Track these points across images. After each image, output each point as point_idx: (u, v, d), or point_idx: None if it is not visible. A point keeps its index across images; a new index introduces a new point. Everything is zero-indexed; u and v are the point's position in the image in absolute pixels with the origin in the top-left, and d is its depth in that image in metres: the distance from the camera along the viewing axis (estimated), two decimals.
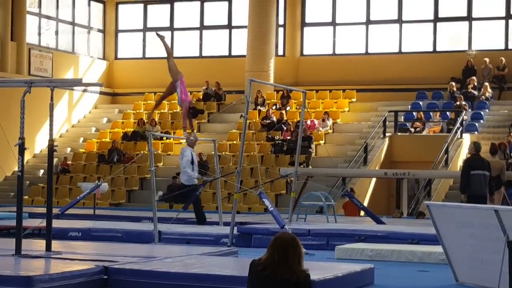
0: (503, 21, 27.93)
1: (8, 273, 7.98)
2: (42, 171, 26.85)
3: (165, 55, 16.42)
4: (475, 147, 15.05)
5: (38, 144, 28.20)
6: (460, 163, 23.84)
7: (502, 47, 27.93)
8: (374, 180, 23.34)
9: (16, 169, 19.11)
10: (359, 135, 25.74)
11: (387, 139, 24.81)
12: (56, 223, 12.32)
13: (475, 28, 28.27)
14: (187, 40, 32.02)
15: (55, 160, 25.51)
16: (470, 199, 14.25)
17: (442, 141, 23.30)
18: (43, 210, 12.69)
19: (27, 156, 27.41)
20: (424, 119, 25.83)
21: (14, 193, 24.24)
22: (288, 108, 27.62)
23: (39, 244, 10.51)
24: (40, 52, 28.73)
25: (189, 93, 15.41)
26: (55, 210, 12.69)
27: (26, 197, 25.07)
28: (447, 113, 25.92)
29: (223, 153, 24.83)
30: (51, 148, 10.08)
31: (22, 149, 9.78)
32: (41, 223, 11.55)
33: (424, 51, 28.78)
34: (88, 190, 17.52)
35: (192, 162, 15.52)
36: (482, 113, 25.82)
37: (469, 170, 14.54)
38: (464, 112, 24.91)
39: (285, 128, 25.94)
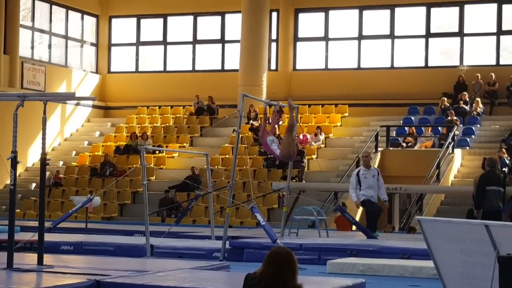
0: (495, 37, 28.09)
1: (0, 286, 7.98)
2: (34, 185, 26.82)
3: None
4: (491, 162, 15.12)
5: (31, 157, 28.18)
6: (451, 178, 23.93)
7: (493, 62, 28.07)
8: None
9: (8, 182, 19.10)
10: (351, 150, 25.79)
11: (379, 153, 24.86)
12: (48, 237, 12.33)
13: (466, 44, 28.43)
14: (180, 54, 32.09)
15: (47, 173, 25.43)
16: (485, 214, 14.31)
17: (434, 156, 23.38)
18: (35, 223, 12.69)
19: (20, 170, 27.35)
20: (416, 134, 25.91)
21: (6, 207, 24.20)
22: (280, 123, 27.65)
23: (31, 258, 10.51)
24: (33, 66, 28.75)
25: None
26: (47, 224, 12.69)
27: (18, 210, 25.04)
28: (439, 128, 26.01)
29: (216, 167, 24.85)
30: (43, 161, 10.09)
31: (14, 162, 9.80)
32: (33, 236, 11.55)
33: (416, 66, 28.91)
34: (80, 204, 17.50)
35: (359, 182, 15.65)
36: (473, 128, 25.92)
37: (485, 185, 14.60)
38: (456, 127, 25.00)
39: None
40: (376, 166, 24.26)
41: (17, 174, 10.32)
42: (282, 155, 13.82)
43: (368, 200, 15.60)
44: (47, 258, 10.30)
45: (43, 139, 10.10)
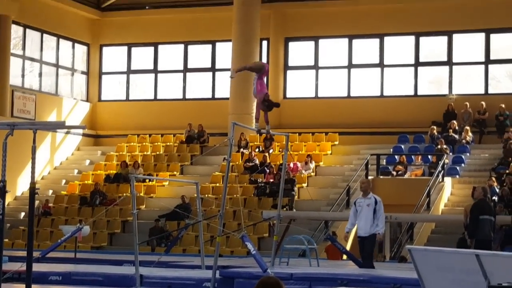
0: (483, 66, 28.26)
1: None
2: (23, 214, 26.70)
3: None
4: (484, 191, 15.14)
5: (20, 186, 28.07)
6: (442, 206, 23.93)
7: (482, 91, 28.21)
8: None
9: None
10: (342, 178, 25.81)
11: None
12: (37, 267, 12.24)
13: (455, 73, 28.59)
14: (171, 82, 32.15)
15: (36, 202, 25.40)
16: (478, 243, 14.31)
17: (424, 185, 23.40)
18: (23, 253, 12.61)
19: (8, 199, 27.24)
20: (406, 162, 25.95)
21: None
22: (271, 151, 27.69)
23: None
24: (24, 94, 28.74)
25: (266, 86, 14.61)
26: (35, 254, 12.61)
27: (7, 240, 24.88)
28: (429, 156, 26.06)
29: (206, 195, 24.80)
30: (32, 190, 10.06)
31: (3, 191, 9.76)
32: (21, 266, 11.48)
33: (405, 95, 29.03)
34: (70, 233, 17.40)
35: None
36: (463, 156, 25.98)
37: (479, 214, 14.61)
38: (446, 155, 25.05)
39: (268, 170, 25.98)
40: None
41: (6, 203, 10.28)
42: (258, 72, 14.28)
43: (359, 242, 14.81)
44: None
45: (33, 168, 10.08)
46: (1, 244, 9.90)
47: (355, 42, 29.49)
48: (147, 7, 31.49)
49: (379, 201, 14.60)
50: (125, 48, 32.31)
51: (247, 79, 28.17)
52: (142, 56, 32.45)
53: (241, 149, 27.80)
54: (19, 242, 24.55)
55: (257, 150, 27.80)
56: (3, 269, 9.91)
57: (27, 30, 29.60)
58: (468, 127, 26.88)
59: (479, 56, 28.39)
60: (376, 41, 29.26)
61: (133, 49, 32.31)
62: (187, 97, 31.55)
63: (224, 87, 30.53)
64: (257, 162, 26.67)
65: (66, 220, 25.63)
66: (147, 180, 27.05)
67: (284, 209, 22.46)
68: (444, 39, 28.67)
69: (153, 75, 32.04)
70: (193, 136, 29.39)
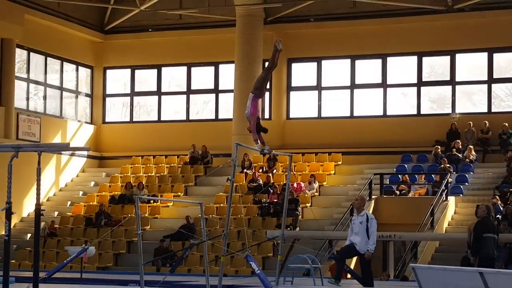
0: (486, 85, 28.36)
1: None
2: (29, 235, 26.77)
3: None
4: (487, 209, 15.18)
5: (26, 208, 28.16)
6: (446, 225, 23.97)
7: (485, 110, 28.29)
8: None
9: (3, 233, 19.13)
10: (345, 198, 25.86)
11: (373, 201, 24.92)
12: (43, 287, 12.30)
13: (458, 92, 28.69)
14: (174, 104, 32.30)
15: (42, 223, 25.50)
16: (482, 261, 14.33)
17: (428, 204, 23.43)
18: (30, 274, 12.67)
19: (15, 220, 27.34)
20: (409, 181, 26.00)
21: (1, 257, 24.15)
22: (274, 171, 27.77)
23: None
24: (28, 117, 28.88)
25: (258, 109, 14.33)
26: (42, 274, 12.68)
27: (13, 261, 24.98)
28: (432, 175, 26.10)
29: (210, 216, 24.87)
30: (38, 212, 10.15)
31: (9, 213, 9.85)
32: (28, 287, 11.54)
33: (408, 114, 29.11)
34: (75, 254, 17.46)
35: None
36: (466, 175, 26.03)
37: (482, 232, 14.65)
38: (449, 174, 25.10)
39: (271, 191, 26.05)
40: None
41: (12, 224, 10.38)
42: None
43: (347, 246, 14.74)
44: None
45: (38, 189, 10.17)
46: (7, 265, 9.98)
47: (358, 62, 29.63)
48: (150, 30, 31.69)
49: (370, 219, 14.53)
50: (129, 70, 32.48)
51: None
52: (146, 78, 32.62)
53: (245, 170, 27.88)
54: (26, 263, 24.62)
55: (260, 170, 27.88)
56: None
57: (31, 54, 29.79)
58: (471, 146, 26.94)
59: (482, 75, 28.50)
60: (379, 61, 29.40)
61: (137, 71, 32.49)
62: (190, 118, 31.67)
63: (227, 108, 30.68)
64: (261, 182, 26.74)
65: (71, 241, 25.70)
66: (152, 201, 27.15)
67: (288, 228, 22.51)
68: (447, 58, 28.79)
69: (156, 97, 32.19)
70: (197, 157, 29.48)
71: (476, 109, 28.71)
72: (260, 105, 13.96)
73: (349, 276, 19.04)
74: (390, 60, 29.32)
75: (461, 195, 25.19)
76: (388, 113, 29.24)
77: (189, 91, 31.72)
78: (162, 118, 32.06)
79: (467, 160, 26.69)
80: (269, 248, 23.45)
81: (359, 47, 29.26)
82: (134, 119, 32.51)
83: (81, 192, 29.86)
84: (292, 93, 30.50)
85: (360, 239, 14.45)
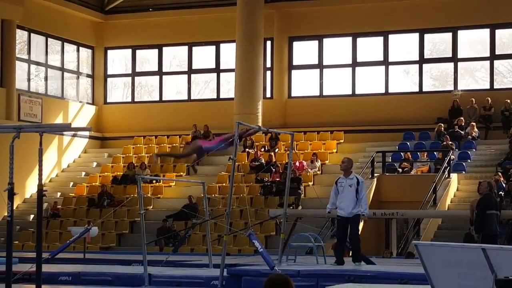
0: (488, 61, 28.27)
1: None
2: (32, 216, 26.82)
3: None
4: (489, 186, 15.19)
5: (28, 189, 28.20)
6: (448, 202, 23.98)
7: (488, 87, 28.23)
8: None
9: (5, 214, 19.13)
10: None
11: (375, 179, 24.92)
12: (46, 268, 12.35)
13: (460, 69, 28.62)
14: (176, 84, 32.27)
15: (45, 204, 25.55)
16: (485, 238, 14.36)
17: (430, 181, 23.43)
18: (33, 254, 12.71)
19: (17, 201, 27.38)
20: (411, 159, 25.99)
21: (4, 238, 24.19)
22: (276, 150, 27.76)
23: None
24: (30, 98, 28.86)
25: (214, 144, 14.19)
26: (45, 255, 12.72)
27: (16, 242, 25.02)
28: (435, 153, 26.10)
29: (213, 195, 24.89)
30: (40, 192, 10.16)
31: (11, 194, 9.86)
32: (31, 268, 11.57)
33: (410, 91, 29.06)
34: (78, 234, 17.50)
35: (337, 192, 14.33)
36: (469, 152, 26.00)
37: (485, 209, 14.67)
38: (451, 151, 25.08)
39: (273, 169, 26.05)
40: (372, 191, 24.34)
41: (15, 205, 10.40)
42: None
43: (339, 221, 14.43)
44: None
45: (40, 170, 10.17)
46: (10, 246, 10.00)
47: (359, 40, 29.54)
48: (150, 9, 31.59)
49: (361, 182, 14.27)
50: (130, 50, 32.43)
51: (252, 78, 28.33)
52: (147, 58, 32.56)
53: (247, 149, 27.88)
54: (29, 244, 24.69)
55: (262, 149, 27.87)
56: (13, 270, 10.00)
57: (32, 35, 29.73)
58: (474, 123, 26.90)
59: (484, 52, 28.41)
60: (380, 38, 29.30)
61: (138, 51, 32.43)
62: (192, 98, 31.64)
63: (228, 88, 30.64)
64: (263, 161, 26.74)
65: (74, 221, 25.75)
66: (154, 181, 27.16)
67: (291, 207, 22.53)
68: (449, 35, 28.69)
69: (158, 76, 32.16)
70: (199, 136, 29.45)
71: (478, 86, 28.65)
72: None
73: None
74: (391, 37, 29.23)
75: (463, 172, 25.19)
76: (390, 90, 29.19)
77: (190, 71, 31.67)
78: (164, 98, 32.03)
79: (469, 137, 26.66)
80: (271, 227, 23.49)
81: (361, 24, 29.17)
82: (136, 100, 32.49)
83: (83, 173, 29.89)
84: (293, 72, 30.44)
85: (348, 202, 14.17)
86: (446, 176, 24.37)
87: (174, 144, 29.82)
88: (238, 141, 13.55)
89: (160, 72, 32.04)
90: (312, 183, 25.74)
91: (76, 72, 31.88)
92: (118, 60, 32.98)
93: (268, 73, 30.34)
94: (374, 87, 29.40)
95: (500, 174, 23.36)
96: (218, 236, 20.91)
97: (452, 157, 25.11)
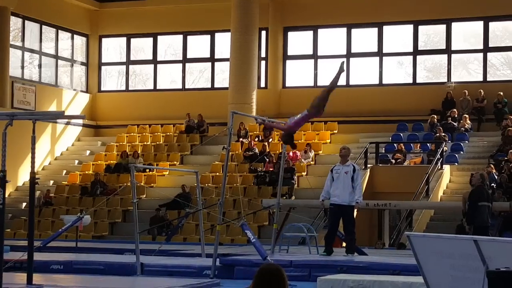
0: (481, 54, 28.30)
1: None
2: (24, 204, 26.77)
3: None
4: (481, 178, 15.22)
5: (21, 176, 28.15)
6: (441, 193, 24.03)
7: (481, 79, 28.26)
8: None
9: None
10: None
11: (368, 170, 24.95)
12: (38, 256, 12.36)
13: (454, 61, 28.64)
14: (170, 72, 32.23)
15: (37, 192, 25.53)
16: (477, 230, 14.41)
17: (423, 172, 23.48)
18: (25, 243, 12.71)
19: (10, 189, 27.34)
20: (405, 150, 26.03)
21: None
22: (270, 140, 27.77)
23: (21, 278, 10.54)
24: (23, 85, 28.80)
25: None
26: (37, 243, 12.71)
27: (8, 230, 24.98)
28: (428, 144, 26.14)
29: (206, 185, 24.89)
30: (32, 180, 10.16)
31: (3, 181, 9.85)
32: (22, 256, 11.57)
33: (404, 83, 29.09)
34: (71, 223, 17.53)
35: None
36: (461, 144, 26.06)
37: (477, 201, 14.71)
38: (444, 143, 25.13)
39: (267, 159, 26.06)
40: (365, 182, 24.37)
41: (7, 193, 10.39)
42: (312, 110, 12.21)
43: (332, 210, 14.35)
44: (37, 278, 10.33)
45: (32, 158, 10.17)
46: (2, 234, 10.00)
47: (354, 31, 29.53)
48: None
49: (357, 169, 14.28)
50: (124, 38, 32.36)
51: (246, 68, 28.30)
52: (141, 47, 32.50)
53: (241, 139, 27.88)
54: (21, 232, 24.66)
55: (256, 139, 27.88)
56: (4, 258, 10.00)
57: (26, 22, 29.63)
58: (466, 115, 26.94)
59: (477, 44, 28.44)
60: (375, 30, 29.29)
61: (132, 40, 32.36)
62: (186, 87, 31.61)
63: (223, 77, 30.61)
64: (256, 151, 26.75)
65: (67, 210, 25.73)
66: (147, 170, 27.16)
67: (284, 197, 22.55)
68: (442, 27, 28.70)
69: (152, 65, 32.11)
70: (193, 126, 29.47)
71: (472, 78, 28.69)
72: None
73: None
74: (386, 28, 29.22)
75: (456, 163, 25.24)
76: (384, 82, 29.21)
77: (185, 60, 31.62)
78: (158, 87, 31.99)
79: (462, 129, 26.71)
80: (264, 217, 23.51)
81: (355, 15, 29.15)
82: (130, 88, 32.44)
83: (76, 161, 29.85)
84: (288, 62, 30.43)
85: (342, 190, 14.13)
86: (439, 167, 24.42)
87: (168, 133, 29.81)
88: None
89: (154, 61, 31.99)
90: (305, 173, 25.77)
91: (70, 60, 31.81)
92: (113, 48, 32.91)
93: (263, 63, 30.32)
94: (368, 78, 29.42)
95: (492, 166, 23.41)
96: (211, 225, 20.94)
97: (445, 148, 25.16)
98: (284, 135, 12.54)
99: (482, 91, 27.27)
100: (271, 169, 25.54)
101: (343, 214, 14.38)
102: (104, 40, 32.60)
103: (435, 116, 27.07)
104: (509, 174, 22.77)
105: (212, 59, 31.22)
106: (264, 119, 14.49)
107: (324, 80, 29.83)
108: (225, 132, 17.89)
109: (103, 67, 32.72)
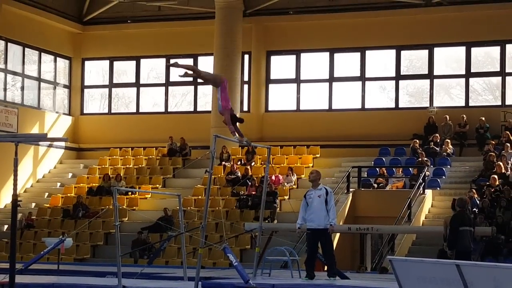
0: (463, 79, 28.51)
1: None
2: (6, 226, 26.64)
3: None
4: (461, 203, 15.28)
5: (3, 199, 28.03)
6: (423, 218, 24.10)
7: (463, 104, 28.45)
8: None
9: None
10: None
11: (350, 194, 25.01)
12: (20, 278, 12.28)
13: (436, 86, 28.82)
14: (153, 96, 32.25)
15: (19, 215, 25.40)
16: (459, 254, 14.43)
17: (405, 197, 23.55)
18: (6, 265, 12.62)
19: None
20: (387, 174, 26.12)
21: None
22: (253, 164, 27.80)
23: None
24: (6, 108, 28.72)
25: (229, 101, 13.93)
26: (18, 265, 12.64)
27: None
28: (410, 169, 26.24)
29: (188, 208, 24.86)
30: (14, 203, 10.12)
31: None
32: (4, 278, 11.50)
33: (386, 107, 29.24)
34: (52, 245, 17.42)
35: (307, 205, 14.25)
36: (444, 169, 26.19)
37: (458, 226, 14.75)
38: (426, 168, 25.24)
39: (250, 183, 26.08)
40: (347, 206, 24.42)
41: None
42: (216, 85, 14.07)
43: (309, 235, 14.26)
44: None
45: (15, 180, 10.13)
46: None
47: (337, 55, 29.70)
48: (128, 21, 31.59)
49: (330, 192, 14.25)
50: (107, 61, 32.38)
51: (229, 92, 28.26)
52: (124, 70, 32.53)
53: (223, 162, 27.89)
54: (2, 254, 24.49)
55: (239, 163, 27.90)
56: None
57: (9, 44, 29.60)
58: (448, 140, 27.10)
59: (459, 69, 28.66)
60: (357, 54, 29.48)
61: (115, 63, 32.39)
62: (169, 110, 31.63)
63: (206, 101, 30.67)
64: (239, 174, 26.77)
65: (49, 232, 25.61)
66: (130, 193, 27.09)
67: (266, 221, 22.55)
68: (425, 52, 28.92)
69: (135, 88, 32.11)
70: (175, 149, 29.46)
71: (454, 103, 28.89)
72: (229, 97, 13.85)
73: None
74: (368, 53, 29.42)
75: (438, 188, 25.35)
76: (366, 106, 29.35)
77: (167, 83, 31.67)
78: (141, 110, 31.99)
79: (444, 153, 26.86)
80: (247, 240, 23.49)
81: (338, 40, 29.35)
82: (113, 111, 32.42)
83: (58, 184, 29.75)
84: (271, 86, 30.53)
85: (317, 214, 14.06)
86: (421, 192, 24.50)
87: (151, 156, 29.78)
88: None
89: (137, 84, 32.01)
90: (288, 197, 25.80)
91: (53, 83, 31.78)
92: (96, 71, 32.91)
93: (246, 86, 30.41)
94: (351, 102, 29.55)
95: (474, 191, 23.53)
96: (193, 249, 20.88)
97: (427, 173, 25.27)
98: (228, 118, 13.52)
99: (464, 116, 27.45)
100: (253, 192, 25.56)
101: (320, 238, 14.35)
102: (87, 62, 32.61)
103: (417, 141, 27.21)
104: (490, 199, 22.88)
105: (195, 83, 31.26)
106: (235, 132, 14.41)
107: (307, 104, 30.01)
108: (207, 156, 17.89)
109: (85, 90, 32.70)
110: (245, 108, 30.22)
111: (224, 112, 13.67)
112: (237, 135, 13.99)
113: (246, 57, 30.27)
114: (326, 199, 14.09)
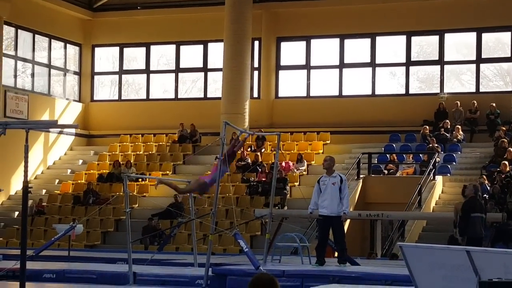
0: (474, 65, 28.39)
1: None
2: (17, 213, 26.73)
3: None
4: (475, 189, 15.24)
5: (14, 185, 28.09)
6: (433, 204, 24.08)
7: (473, 90, 28.34)
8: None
9: None
10: None
11: (360, 180, 24.99)
12: (31, 265, 12.33)
13: (447, 72, 28.73)
14: (163, 82, 32.25)
15: (30, 201, 25.48)
16: (470, 241, 14.41)
17: (415, 183, 23.52)
18: (17, 251, 12.69)
19: (2, 198, 27.31)
20: (397, 161, 26.07)
21: None
22: (263, 150, 27.79)
23: (13, 286, 10.51)
24: (16, 94, 28.77)
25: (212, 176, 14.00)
26: (29, 252, 12.69)
27: (1, 238, 25.03)
28: (420, 155, 26.19)
29: (198, 194, 24.83)
30: (25, 189, 10.13)
31: None
32: (15, 265, 11.56)
33: (397, 93, 29.16)
34: (63, 232, 17.49)
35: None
36: (454, 155, 26.12)
37: (470, 212, 14.72)
38: (437, 154, 25.18)
39: (260, 169, 26.08)
40: (358, 193, 24.41)
41: (0, 202, 10.37)
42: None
43: (321, 221, 14.34)
44: (30, 287, 10.30)
45: (25, 167, 10.14)
46: None
47: (347, 41, 29.60)
48: (138, 7, 31.55)
49: (344, 180, 14.23)
50: (117, 48, 32.36)
51: (239, 78, 28.32)
52: (134, 56, 32.51)
53: (233, 149, 27.82)
54: (13, 240, 24.61)
55: (249, 149, 27.89)
56: None
57: (19, 31, 29.62)
58: (459, 126, 27.02)
59: (470, 55, 28.54)
60: (368, 40, 29.37)
61: (125, 49, 32.37)
62: (179, 97, 31.62)
63: (216, 87, 30.64)
64: (249, 161, 26.76)
65: (59, 219, 25.70)
66: (140, 180, 27.13)
67: (276, 207, 22.55)
68: (435, 38, 28.79)
69: (145, 75, 32.12)
70: (186, 135, 29.47)
71: (464, 89, 28.77)
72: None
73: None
74: (379, 39, 29.31)
75: (448, 174, 25.30)
76: (376, 92, 29.27)
77: (178, 70, 31.65)
78: (151, 97, 32.01)
79: (454, 140, 26.78)
80: (257, 227, 23.51)
81: (348, 26, 29.24)
82: (123, 98, 32.44)
83: (69, 170, 29.82)
84: (281, 72, 30.47)
85: (330, 201, 14.05)
86: (431, 178, 24.46)
87: (161, 143, 29.79)
88: (228, 158, 13.74)
89: (147, 71, 32.01)
90: (298, 183, 25.78)
91: (63, 69, 31.80)
92: (106, 57, 32.92)
93: (256, 73, 30.37)
94: (361, 88, 29.48)
95: (484, 177, 23.47)
96: (204, 235, 20.93)
97: (438, 159, 25.22)
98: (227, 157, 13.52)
99: (475, 102, 27.35)
100: (263, 179, 25.56)
101: (332, 225, 14.35)
102: (97, 49, 32.61)
103: (428, 127, 27.14)
104: (501, 185, 22.83)
105: (205, 69, 31.26)
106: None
107: (317, 90, 29.95)
108: (217, 142, 17.90)
109: (96, 77, 32.72)
110: (255, 95, 30.19)
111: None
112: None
113: (256, 43, 30.21)
114: (340, 187, 14.05)
